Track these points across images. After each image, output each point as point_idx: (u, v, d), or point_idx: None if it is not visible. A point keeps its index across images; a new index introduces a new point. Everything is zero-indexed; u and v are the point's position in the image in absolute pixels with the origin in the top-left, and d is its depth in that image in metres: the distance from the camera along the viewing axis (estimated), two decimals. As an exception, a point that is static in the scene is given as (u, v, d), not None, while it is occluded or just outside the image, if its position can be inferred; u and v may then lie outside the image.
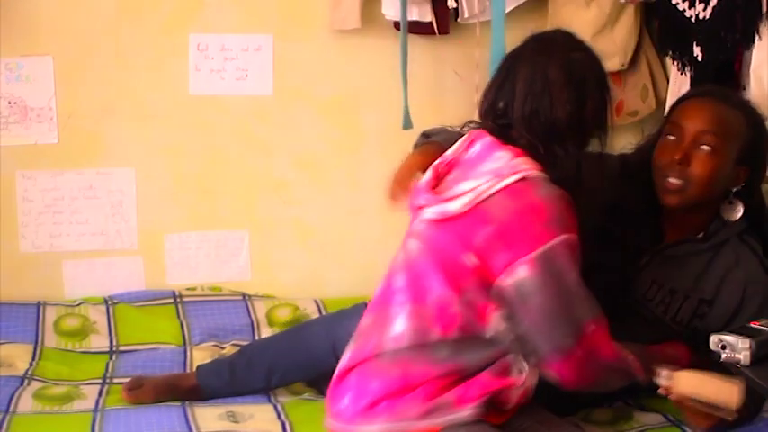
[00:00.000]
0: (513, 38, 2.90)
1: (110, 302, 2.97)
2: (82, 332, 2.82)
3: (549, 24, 3.10)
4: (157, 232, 3.11)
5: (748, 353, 1.92)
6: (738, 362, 1.93)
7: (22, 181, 3.01)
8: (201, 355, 2.68)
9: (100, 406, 2.34)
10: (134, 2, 3.02)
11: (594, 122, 1.96)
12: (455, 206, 1.85)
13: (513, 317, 1.84)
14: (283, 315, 2.97)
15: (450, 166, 1.97)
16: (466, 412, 1.82)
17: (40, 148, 3.01)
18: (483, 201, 1.83)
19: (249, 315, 2.96)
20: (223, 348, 2.77)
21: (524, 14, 3.11)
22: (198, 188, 3.13)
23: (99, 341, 2.80)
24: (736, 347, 1.93)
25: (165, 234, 3.12)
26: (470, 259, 1.83)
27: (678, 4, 2.65)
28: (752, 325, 2.02)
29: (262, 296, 3.08)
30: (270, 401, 2.37)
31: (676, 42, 2.71)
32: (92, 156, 3.05)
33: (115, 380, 2.54)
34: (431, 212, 1.89)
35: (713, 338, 1.97)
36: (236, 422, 2.22)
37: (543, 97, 1.89)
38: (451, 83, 3.20)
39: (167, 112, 3.08)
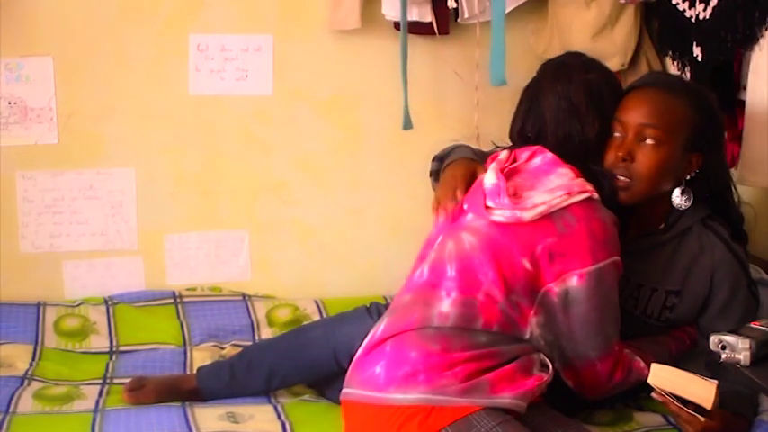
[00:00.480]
0: (513, 38, 2.93)
1: (110, 303, 2.97)
2: (82, 332, 2.82)
3: (548, 25, 3.10)
4: (157, 232, 3.11)
5: (748, 353, 1.92)
6: (738, 362, 1.93)
7: (22, 181, 3.00)
8: (201, 356, 2.68)
9: (100, 406, 2.34)
10: (134, 2, 3.01)
11: (610, 128, 2.12)
12: (528, 215, 1.95)
13: (549, 324, 1.98)
14: (283, 315, 2.97)
15: (512, 172, 2.07)
16: (506, 399, 1.88)
17: (40, 148, 3.01)
18: (551, 213, 1.96)
19: (249, 315, 2.96)
20: (223, 349, 2.77)
21: (524, 14, 3.12)
22: (198, 188, 3.13)
23: (99, 341, 2.80)
24: (736, 348, 1.93)
25: (164, 234, 3.12)
26: (527, 265, 1.95)
27: (678, 4, 2.65)
28: (752, 325, 2.01)
29: (262, 296, 3.08)
30: (270, 402, 2.37)
31: (676, 42, 2.71)
32: (92, 156, 3.05)
33: (115, 380, 2.54)
34: (500, 215, 1.97)
35: (713, 339, 1.97)
36: (236, 423, 2.22)
37: (573, 122, 2.08)
38: (451, 83, 3.20)
39: (167, 112, 3.08)
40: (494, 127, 3.19)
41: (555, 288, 1.95)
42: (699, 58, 2.57)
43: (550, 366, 1.99)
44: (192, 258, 3.14)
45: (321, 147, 3.18)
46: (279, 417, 2.27)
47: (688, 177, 2.14)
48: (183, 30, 3.05)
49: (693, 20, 2.58)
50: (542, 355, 1.99)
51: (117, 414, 2.26)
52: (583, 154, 2.08)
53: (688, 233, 2.16)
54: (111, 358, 2.71)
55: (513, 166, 2.09)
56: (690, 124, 2.09)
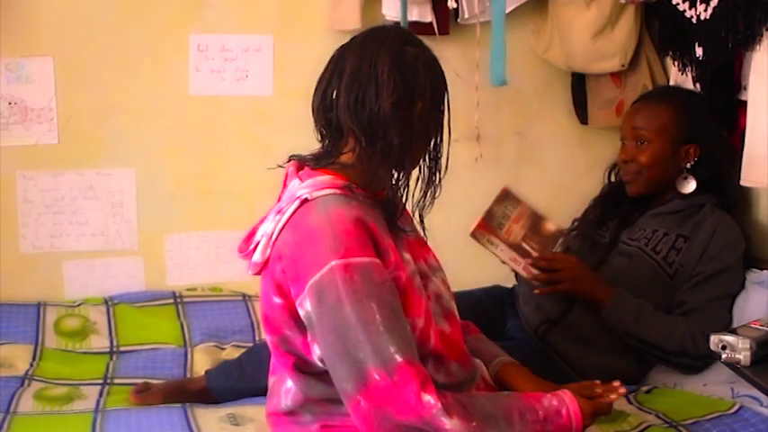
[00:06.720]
0: (514, 38, 2.92)
1: (110, 303, 2.98)
2: (82, 333, 2.83)
3: (549, 25, 3.09)
4: (157, 233, 3.11)
5: (748, 353, 1.92)
6: (738, 362, 1.93)
7: (22, 181, 3.01)
8: (202, 356, 2.68)
9: (100, 406, 2.34)
10: (134, 3, 3.02)
11: (425, 124, 1.82)
12: (257, 257, 1.77)
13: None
14: (283, 315, 2.96)
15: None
16: None
17: (41, 148, 3.01)
18: (275, 240, 1.75)
19: (249, 316, 2.96)
20: (223, 349, 2.77)
21: (524, 15, 3.12)
22: (198, 188, 3.13)
23: (99, 342, 2.81)
24: (737, 348, 1.93)
25: (165, 234, 3.12)
26: (278, 299, 1.74)
27: (678, 4, 2.65)
28: (752, 325, 2.02)
29: (262, 296, 3.08)
30: (270, 402, 2.37)
31: (677, 43, 2.71)
32: (92, 156, 3.05)
33: (116, 380, 2.54)
34: (250, 268, 1.82)
35: (713, 339, 1.97)
36: (236, 425, 2.21)
37: (369, 85, 1.77)
38: (452, 83, 3.14)
39: (168, 112, 3.08)
40: (494, 127, 3.21)
41: (301, 312, 1.70)
42: (699, 59, 2.58)
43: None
44: (193, 258, 3.14)
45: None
46: (279, 417, 2.27)
47: (688, 166, 2.52)
48: (183, 30, 3.05)
49: (694, 20, 2.58)
50: None
51: (117, 414, 2.26)
52: (371, 125, 1.75)
53: (701, 208, 2.51)
54: (111, 358, 2.71)
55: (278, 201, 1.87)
56: (678, 121, 2.51)
